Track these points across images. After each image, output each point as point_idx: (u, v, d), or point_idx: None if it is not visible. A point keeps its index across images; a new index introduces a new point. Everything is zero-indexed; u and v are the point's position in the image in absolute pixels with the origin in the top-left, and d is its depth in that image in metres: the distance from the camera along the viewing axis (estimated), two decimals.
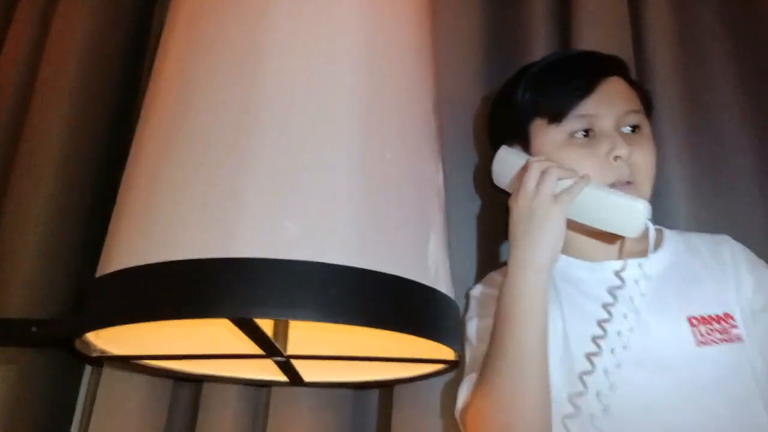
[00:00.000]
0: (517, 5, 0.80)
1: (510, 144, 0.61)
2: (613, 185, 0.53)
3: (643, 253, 0.52)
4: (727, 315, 0.53)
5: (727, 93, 0.77)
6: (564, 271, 0.58)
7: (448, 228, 0.58)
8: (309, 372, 0.63)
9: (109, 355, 0.57)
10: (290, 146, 0.46)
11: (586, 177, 0.52)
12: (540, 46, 0.76)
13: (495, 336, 0.50)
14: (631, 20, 0.79)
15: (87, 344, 0.54)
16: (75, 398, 0.73)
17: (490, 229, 0.72)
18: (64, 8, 0.78)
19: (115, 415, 0.66)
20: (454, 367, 0.58)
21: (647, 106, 0.61)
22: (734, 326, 0.52)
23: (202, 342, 0.59)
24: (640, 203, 0.50)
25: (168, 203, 0.46)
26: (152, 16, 0.86)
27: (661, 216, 0.70)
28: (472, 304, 0.61)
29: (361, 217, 0.46)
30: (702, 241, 0.59)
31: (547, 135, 0.57)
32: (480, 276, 0.65)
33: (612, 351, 0.50)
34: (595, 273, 0.57)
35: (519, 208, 0.52)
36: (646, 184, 0.56)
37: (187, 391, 0.71)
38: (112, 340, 0.56)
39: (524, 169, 0.54)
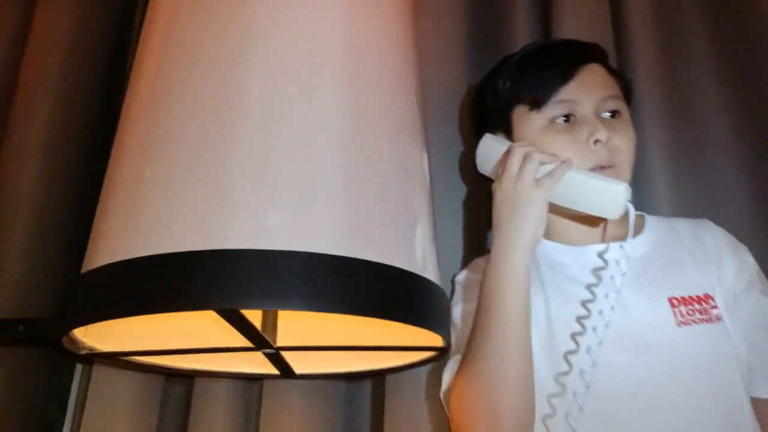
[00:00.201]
0: None
1: (493, 132, 0.61)
2: (593, 169, 0.54)
3: (626, 237, 0.53)
4: (707, 296, 0.54)
5: (708, 79, 0.79)
6: (548, 256, 0.59)
7: (435, 216, 0.59)
8: (300, 364, 0.63)
9: (97, 352, 0.57)
10: (272, 137, 0.46)
11: (568, 161, 0.53)
12: (522, 36, 0.77)
13: (478, 317, 0.51)
14: (611, 8, 0.80)
15: (75, 342, 0.54)
16: (66, 397, 0.73)
17: (475, 217, 0.72)
18: (46, 6, 0.77)
19: (107, 413, 0.66)
20: (444, 353, 0.59)
21: (627, 93, 0.62)
22: (714, 307, 0.54)
23: (193, 338, 0.59)
24: (620, 185, 0.51)
25: (151, 197, 0.46)
26: (135, 13, 0.85)
27: (642, 201, 0.71)
28: (457, 289, 0.62)
29: (346, 206, 0.47)
30: (683, 225, 0.61)
31: (528, 121, 0.58)
32: (466, 263, 0.66)
33: (594, 330, 0.51)
34: (578, 256, 0.58)
35: (502, 192, 0.52)
36: (626, 167, 0.56)
37: (178, 387, 0.71)
38: (100, 337, 0.56)
39: (507, 154, 0.54)
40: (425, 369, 0.66)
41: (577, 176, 0.52)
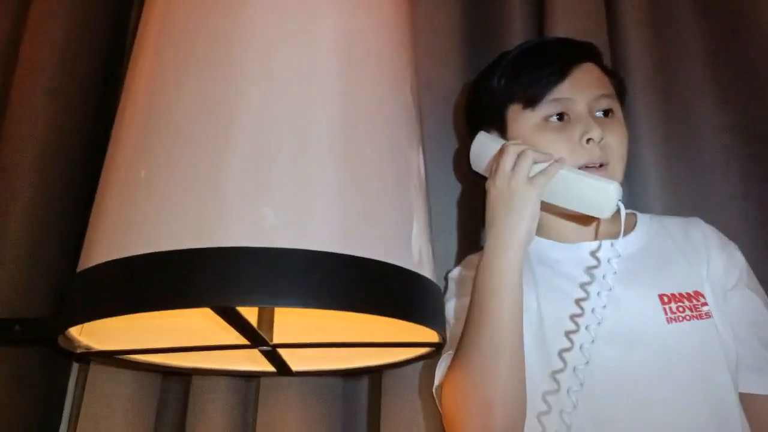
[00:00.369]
0: None
1: (488, 130, 0.62)
2: (585, 167, 0.55)
3: (618, 235, 0.54)
4: (697, 293, 0.55)
5: (701, 78, 0.79)
6: (540, 253, 0.59)
7: (430, 213, 0.59)
8: (297, 361, 0.63)
9: (94, 350, 0.57)
10: (268, 134, 0.46)
11: (561, 160, 0.54)
12: (517, 34, 0.77)
13: (471, 313, 0.51)
14: (606, 7, 0.80)
15: (71, 341, 0.54)
16: (63, 396, 0.72)
17: (469, 214, 0.73)
18: (40, 5, 0.77)
19: (105, 412, 0.66)
20: (441, 349, 0.59)
21: (620, 92, 0.62)
22: (704, 304, 0.54)
23: (190, 336, 0.60)
24: (612, 185, 0.52)
25: (147, 196, 0.46)
26: (130, 13, 0.85)
27: (634, 199, 0.72)
28: (450, 285, 0.63)
29: (342, 203, 0.47)
30: (674, 223, 0.61)
31: (522, 120, 0.58)
32: (460, 260, 0.67)
33: (587, 328, 0.51)
34: (571, 254, 0.58)
35: (496, 189, 0.53)
36: (618, 166, 0.57)
37: (176, 385, 0.71)
38: (97, 336, 0.56)
39: (501, 152, 0.55)
40: (420, 365, 0.66)
41: (569, 175, 0.53)
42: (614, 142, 0.57)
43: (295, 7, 0.51)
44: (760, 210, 0.72)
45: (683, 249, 0.58)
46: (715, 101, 0.78)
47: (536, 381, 0.52)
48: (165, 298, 0.43)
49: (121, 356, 0.60)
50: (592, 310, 0.52)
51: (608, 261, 0.53)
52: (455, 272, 0.63)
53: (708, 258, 0.57)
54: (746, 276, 0.58)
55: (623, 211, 0.52)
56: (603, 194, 0.52)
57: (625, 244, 0.55)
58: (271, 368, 0.64)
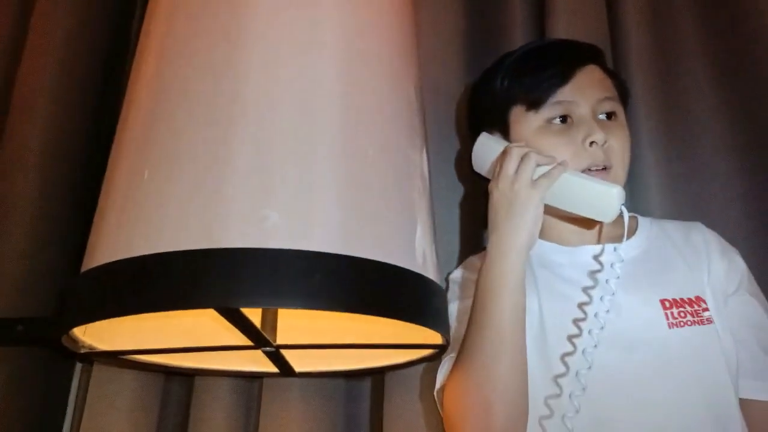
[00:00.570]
0: None
1: (490, 131, 0.62)
2: (588, 170, 0.55)
3: (620, 239, 0.54)
4: (698, 298, 0.55)
5: (702, 80, 0.79)
6: (542, 256, 0.59)
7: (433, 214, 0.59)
8: (300, 362, 0.64)
9: (97, 351, 0.57)
10: (271, 135, 0.47)
11: (564, 163, 0.54)
12: (520, 35, 0.77)
13: (473, 316, 0.51)
14: (607, 8, 0.80)
15: (74, 341, 0.54)
16: (66, 396, 0.73)
17: (471, 215, 0.73)
18: (43, 7, 0.77)
19: (107, 412, 0.66)
20: (444, 351, 0.59)
21: (623, 94, 0.62)
22: (705, 309, 0.54)
23: (193, 336, 0.60)
24: (615, 188, 0.52)
25: (150, 196, 0.46)
26: (133, 14, 0.85)
27: (635, 202, 0.71)
28: (452, 287, 0.62)
29: (345, 204, 0.47)
30: (675, 227, 0.61)
31: (525, 122, 0.58)
32: (462, 261, 0.67)
33: (590, 332, 0.51)
34: (573, 257, 0.58)
35: (499, 192, 0.53)
36: (621, 169, 0.57)
37: (178, 386, 0.72)
38: (100, 336, 0.56)
39: (504, 154, 0.55)
40: (422, 367, 0.66)
41: (572, 178, 0.53)
42: (617, 145, 0.57)
43: (297, 9, 0.51)
44: (760, 211, 0.72)
45: (684, 254, 0.58)
46: (716, 103, 0.78)
47: (538, 385, 0.52)
48: (169, 299, 0.43)
49: (124, 356, 0.60)
50: (595, 315, 0.52)
51: (611, 265, 0.52)
52: (456, 274, 0.63)
53: (709, 263, 0.57)
54: (747, 281, 0.58)
55: (626, 215, 0.52)
56: (606, 198, 0.52)
57: (627, 248, 0.55)
58: (273, 369, 0.64)
